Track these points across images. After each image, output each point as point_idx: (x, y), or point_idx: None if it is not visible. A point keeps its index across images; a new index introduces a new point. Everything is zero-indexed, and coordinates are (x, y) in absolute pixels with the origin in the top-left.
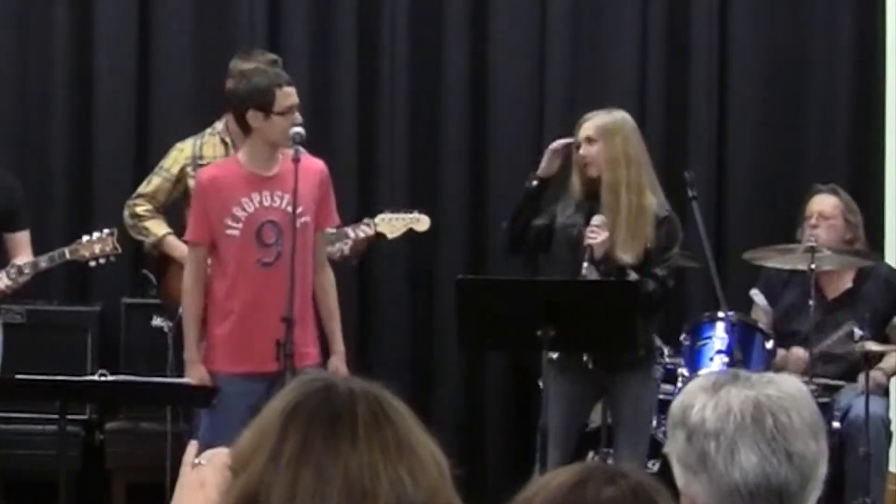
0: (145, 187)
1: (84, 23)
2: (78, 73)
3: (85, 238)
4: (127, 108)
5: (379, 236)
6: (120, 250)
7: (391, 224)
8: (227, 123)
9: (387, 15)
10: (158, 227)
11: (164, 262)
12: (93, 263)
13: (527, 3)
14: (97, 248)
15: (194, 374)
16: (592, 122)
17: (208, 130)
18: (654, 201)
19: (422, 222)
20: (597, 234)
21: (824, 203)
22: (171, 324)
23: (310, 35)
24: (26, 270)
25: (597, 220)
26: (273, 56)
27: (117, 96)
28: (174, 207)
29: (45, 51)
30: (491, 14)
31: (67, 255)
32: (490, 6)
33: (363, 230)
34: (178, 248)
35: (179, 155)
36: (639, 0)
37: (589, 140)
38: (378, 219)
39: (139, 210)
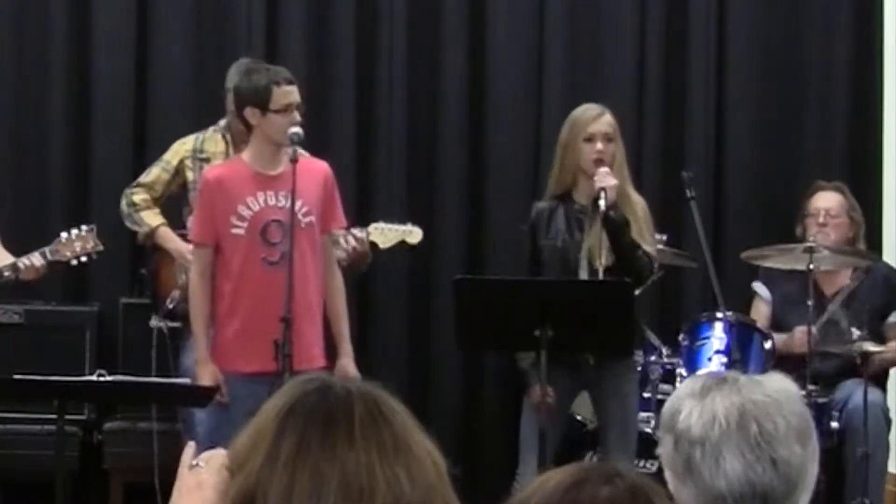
0: (144, 177)
1: (82, 23)
2: (76, 73)
3: (63, 236)
4: (125, 109)
5: (371, 246)
6: (102, 247)
7: (384, 234)
8: (230, 121)
9: (385, 15)
10: (153, 218)
11: (156, 254)
12: (75, 262)
13: (525, 2)
14: (77, 247)
15: (206, 374)
16: (609, 120)
17: (212, 127)
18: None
19: (414, 235)
20: (606, 178)
21: (832, 201)
22: (158, 317)
23: (308, 35)
24: (6, 273)
25: (604, 169)
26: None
27: (115, 96)
28: (172, 201)
29: (43, 51)
30: (489, 13)
31: (49, 256)
32: (488, 5)
33: (353, 238)
34: (170, 239)
35: (181, 147)
36: (637, 0)
37: (608, 138)
38: (372, 227)
39: (136, 199)
